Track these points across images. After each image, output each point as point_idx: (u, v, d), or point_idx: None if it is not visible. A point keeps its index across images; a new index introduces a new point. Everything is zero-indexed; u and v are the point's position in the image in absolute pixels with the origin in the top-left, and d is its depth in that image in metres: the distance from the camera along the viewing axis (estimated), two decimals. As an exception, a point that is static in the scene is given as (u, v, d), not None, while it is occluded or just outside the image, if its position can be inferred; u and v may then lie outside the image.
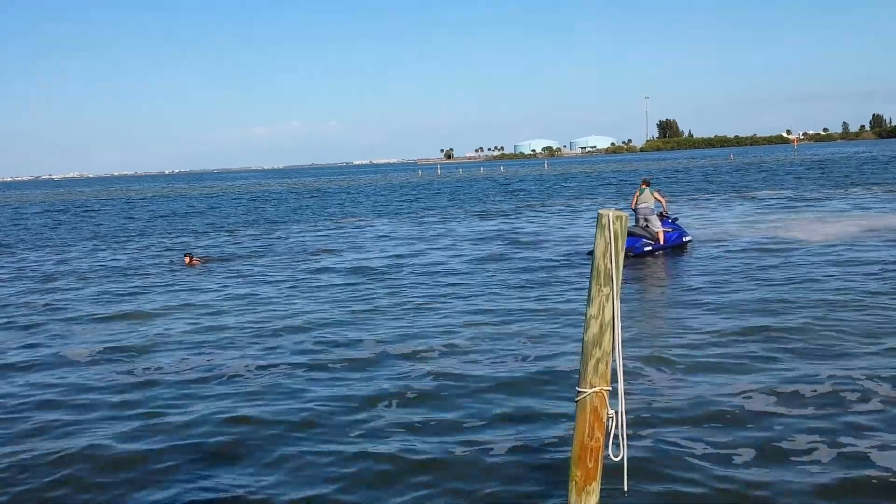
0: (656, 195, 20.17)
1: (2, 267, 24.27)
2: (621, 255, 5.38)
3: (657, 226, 19.98)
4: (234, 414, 8.65)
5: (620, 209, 5.96)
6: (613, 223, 5.32)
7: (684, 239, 20.47)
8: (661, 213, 20.53)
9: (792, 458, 6.86)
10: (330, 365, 10.55)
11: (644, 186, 19.98)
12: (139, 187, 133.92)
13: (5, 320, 15.01)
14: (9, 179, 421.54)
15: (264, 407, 8.88)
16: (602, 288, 5.34)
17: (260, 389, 9.56)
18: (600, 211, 5.38)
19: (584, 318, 5.39)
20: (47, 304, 16.59)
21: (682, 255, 19.54)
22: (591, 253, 19.89)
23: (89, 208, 63.29)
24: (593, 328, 5.37)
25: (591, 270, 5.37)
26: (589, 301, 5.38)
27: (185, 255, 22.39)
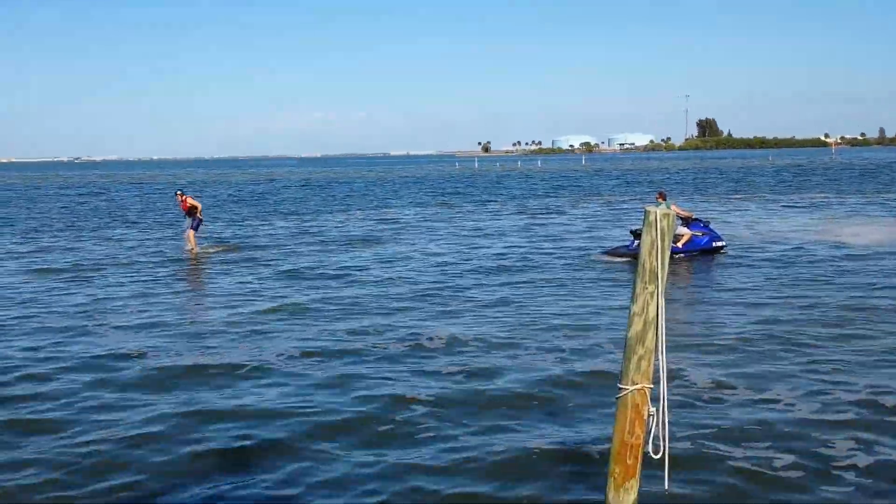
0: (675, 208, 19.68)
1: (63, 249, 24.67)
2: (667, 253, 5.36)
3: (677, 230, 19.66)
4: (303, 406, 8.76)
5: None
6: (660, 221, 5.30)
7: (716, 244, 19.88)
8: (689, 217, 20.12)
9: (832, 465, 6.80)
10: (364, 359, 10.61)
11: (661, 200, 19.41)
12: (182, 171, 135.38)
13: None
14: (50, 160, 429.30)
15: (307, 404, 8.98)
16: (647, 285, 5.32)
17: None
18: (647, 208, 5.36)
19: (627, 315, 5.39)
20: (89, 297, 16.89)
21: (720, 257, 19.29)
22: (607, 252, 19.91)
23: (138, 192, 64.12)
24: (636, 325, 5.36)
25: (637, 267, 5.36)
26: (633, 298, 5.36)
27: (177, 193, 23.90)
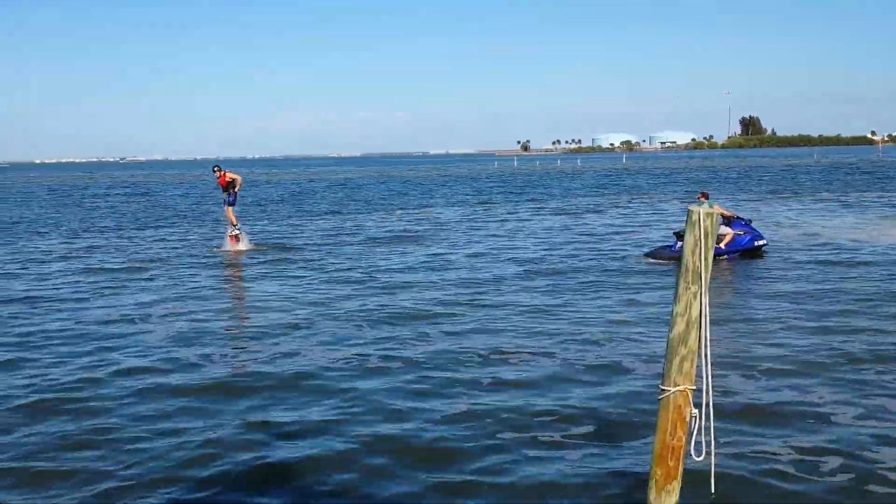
0: (717, 208, 19.32)
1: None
2: (710, 253, 5.30)
3: (719, 230, 19.39)
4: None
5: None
6: (704, 220, 5.24)
7: (757, 242, 19.51)
8: (732, 216, 19.79)
9: (877, 470, 6.65)
10: (398, 365, 10.63)
11: (703, 199, 19.08)
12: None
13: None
14: (94, 160, 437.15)
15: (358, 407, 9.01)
16: (690, 285, 5.27)
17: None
18: (690, 208, 5.30)
19: (669, 315, 5.33)
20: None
21: (768, 258, 18.96)
22: (647, 254, 19.70)
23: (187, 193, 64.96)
24: (679, 326, 5.31)
25: (679, 267, 5.31)
26: (676, 298, 5.32)
27: (214, 168, 23.55)
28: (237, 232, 22.75)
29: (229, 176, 22.98)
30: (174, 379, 9.75)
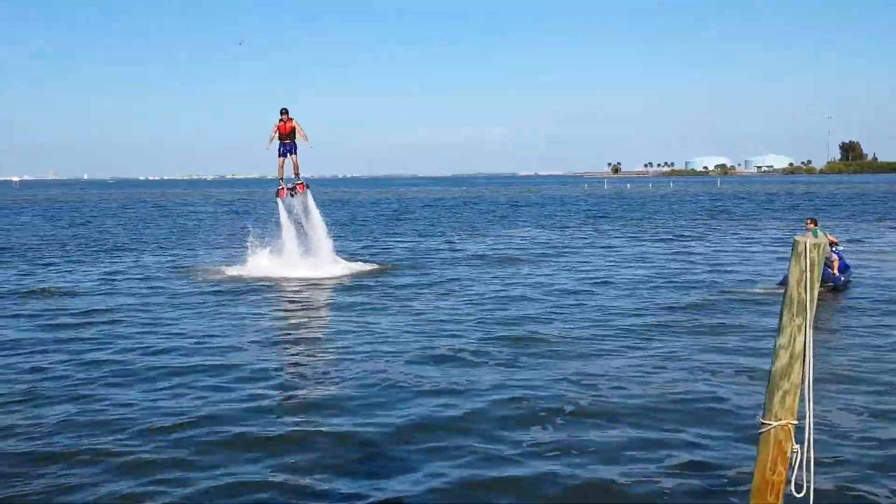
0: (827, 236, 18.59)
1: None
2: (816, 285, 5.16)
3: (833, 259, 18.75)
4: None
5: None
6: (810, 251, 5.11)
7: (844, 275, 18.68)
8: (836, 241, 19.06)
9: None
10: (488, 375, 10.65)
11: (813, 226, 18.33)
12: (329, 189, 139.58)
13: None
14: (195, 178, 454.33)
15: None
16: (794, 317, 5.14)
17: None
18: (796, 238, 5.19)
19: (772, 348, 5.21)
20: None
21: (877, 290, 17.96)
22: (781, 283, 19.00)
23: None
24: (782, 359, 5.17)
25: (784, 299, 5.19)
26: (779, 330, 5.19)
27: (283, 111, 21.13)
28: (294, 185, 21.40)
29: (294, 123, 21.20)
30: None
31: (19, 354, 12.01)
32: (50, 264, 23.97)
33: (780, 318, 5.21)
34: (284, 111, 21.05)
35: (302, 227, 21.80)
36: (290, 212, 21.64)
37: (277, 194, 21.76)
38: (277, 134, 21.13)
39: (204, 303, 16.65)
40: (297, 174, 21.61)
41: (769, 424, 5.27)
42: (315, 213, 21.71)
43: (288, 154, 21.42)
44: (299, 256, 21.17)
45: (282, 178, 21.59)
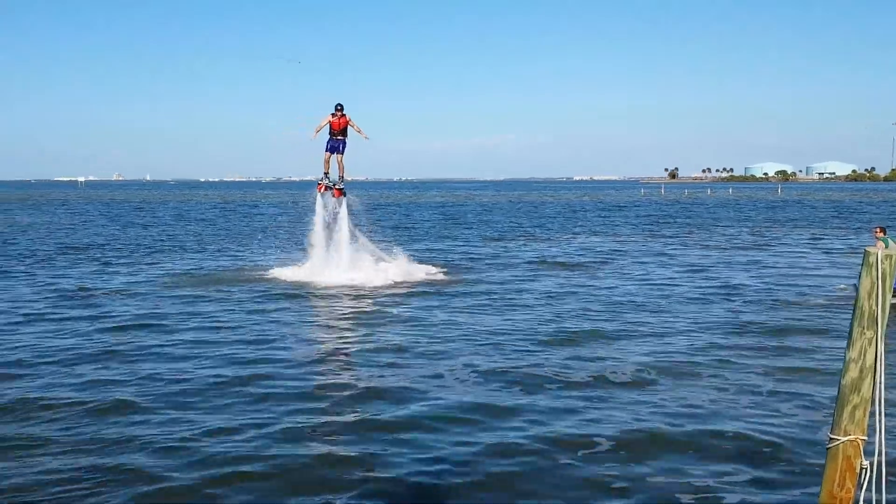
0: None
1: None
2: (888, 297, 5.04)
3: None
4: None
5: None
6: (882, 263, 5.00)
7: None
8: None
9: None
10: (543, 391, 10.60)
11: (880, 234, 17.77)
12: (377, 193, 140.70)
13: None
14: (254, 179, 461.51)
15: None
16: (865, 331, 5.03)
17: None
18: (867, 249, 5.08)
19: (842, 361, 5.10)
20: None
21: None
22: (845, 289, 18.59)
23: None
24: (852, 372, 5.07)
25: (854, 311, 5.08)
26: (849, 343, 5.08)
27: (338, 106, 20.63)
28: (333, 183, 20.99)
29: (346, 121, 20.57)
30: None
31: (77, 354, 12.32)
32: (107, 263, 24.53)
33: (850, 331, 5.11)
34: (340, 107, 20.58)
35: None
36: (326, 209, 21.55)
37: (317, 187, 21.62)
38: (329, 128, 20.67)
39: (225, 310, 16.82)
40: (341, 176, 21.23)
41: (838, 439, 5.16)
42: (345, 222, 21.09)
43: (335, 151, 20.93)
44: (326, 259, 20.87)
45: (327, 174, 21.22)
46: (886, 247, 17.73)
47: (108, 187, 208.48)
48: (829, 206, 73.08)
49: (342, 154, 20.90)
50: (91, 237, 35.67)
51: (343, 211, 21.21)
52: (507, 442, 8.26)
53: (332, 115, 20.60)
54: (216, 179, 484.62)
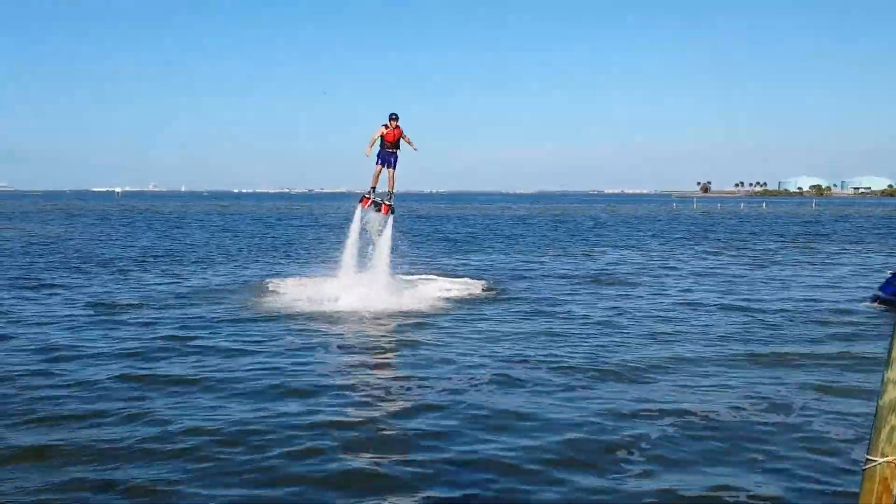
0: None
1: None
2: (928, 316, 4.93)
3: None
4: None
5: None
6: (922, 281, 4.88)
7: None
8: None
9: None
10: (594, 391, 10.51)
11: None
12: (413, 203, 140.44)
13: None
14: (285, 191, 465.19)
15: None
16: (905, 350, 4.91)
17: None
18: (907, 267, 4.97)
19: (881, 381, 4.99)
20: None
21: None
22: (874, 299, 18.48)
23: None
24: (891, 392, 4.94)
25: (894, 329, 4.96)
26: (888, 362, 4.95)
27: (393, 117, 19.00)
28: (380, 199, 19.48)
29: (399, 132, 18.99)
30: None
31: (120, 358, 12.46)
32: (146, 272, 24.83)
33: (890, 351, 4.98)
34: (395, 117, 18.96)
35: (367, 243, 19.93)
36: (363, 228, 19.78)
37: (361, 201, 19.80)
38: (380, 140, 19.06)
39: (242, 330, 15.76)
40: (391, 192, 19.60)
41: (874, 461, 5.04)
42: (388, 239, 19.41)
43: (387, 165, 19.21)
44: (357, 276, 19.22)
45: (374, 188, 19.49)
46: None
47: (145, 198, 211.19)
48: (866, 221, 71.78)
49: (394, 168, 19.20)
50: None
51: (388, 230, 19.48)
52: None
53: (385, 125, 19.07)
54: (249, 191, 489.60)
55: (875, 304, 18.67)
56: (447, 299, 19.35)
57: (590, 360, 12.77)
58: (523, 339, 14.43)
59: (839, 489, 7.31)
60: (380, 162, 19.22)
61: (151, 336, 14.40)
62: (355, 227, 19.80)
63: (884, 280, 19.40)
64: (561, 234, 51.50)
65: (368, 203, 19.68)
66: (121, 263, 27.99)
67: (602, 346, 14.00)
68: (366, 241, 19.98)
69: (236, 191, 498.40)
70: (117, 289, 21.01)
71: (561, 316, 17.25)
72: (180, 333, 14.67)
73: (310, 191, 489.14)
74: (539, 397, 10.53)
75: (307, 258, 29.68)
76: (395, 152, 19.11)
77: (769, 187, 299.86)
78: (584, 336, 14.94)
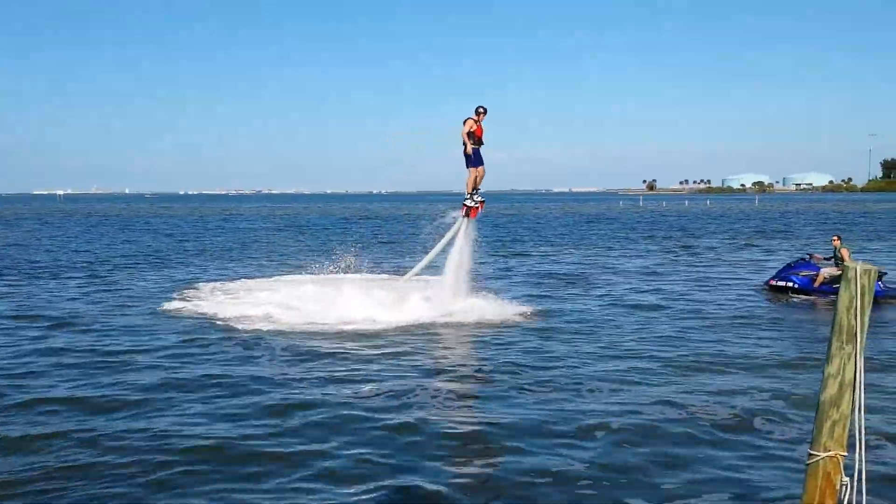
0: (845, 252, 19.10)
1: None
2: (867, 312, 5.01)
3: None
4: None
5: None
6: (861, 277, 4.97)
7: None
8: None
9: None
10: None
11: (837, 242, 19.51)
12: (424, 205, 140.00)
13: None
14: (233, 192, 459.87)
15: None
16: (844, 345, 5.00)
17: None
18: (846, 264, 5.05)
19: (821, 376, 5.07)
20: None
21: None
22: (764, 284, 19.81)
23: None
24: (831, 388, 5.03)
25: (833, 326, 5.05)
26: (828, 358, 5.05)
27: (481, 109, 16.46)
28: (475, 203, 17.18)
29: (480, 131, 16.70)
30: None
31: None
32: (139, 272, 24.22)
33: (829, 346, 5.08)
34: (483, 110, 16.57)
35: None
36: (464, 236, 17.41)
37: (468, 213, 17.28)
38: (474, 138, 16.70)
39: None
40: (477, 188, 17.25)
41: (817, 455, 5.13)
42: (472, 241, 17.56)
43: (480, 164, 16.94)
44: (455, 293, 16.98)
45: (470, 194, 17.14)
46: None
47: (87, 200, 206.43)
48: (815, 216, 73.47)
49: (475, 166, 16.89)
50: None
51: (473, 232, 17.62)
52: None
53: (475, 119, 16.63)
54: (195, 192, 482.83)
55: (765, 289, 20.57)
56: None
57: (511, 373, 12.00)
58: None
59: (785, 485, 7.37)
60: (472, 163, 16.81)
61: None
62: (460, 240, 17.29)
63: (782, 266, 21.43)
64: (509, 233, 51.67)
65: (476, 212, 17.41)
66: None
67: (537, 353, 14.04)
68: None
69: (181, 192, 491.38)
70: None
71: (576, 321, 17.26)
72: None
73: (258, 191, 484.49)
74: (481, 412, 10.51)
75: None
76: (478, 148, 16.81)
77: (713, 185, 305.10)
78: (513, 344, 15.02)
